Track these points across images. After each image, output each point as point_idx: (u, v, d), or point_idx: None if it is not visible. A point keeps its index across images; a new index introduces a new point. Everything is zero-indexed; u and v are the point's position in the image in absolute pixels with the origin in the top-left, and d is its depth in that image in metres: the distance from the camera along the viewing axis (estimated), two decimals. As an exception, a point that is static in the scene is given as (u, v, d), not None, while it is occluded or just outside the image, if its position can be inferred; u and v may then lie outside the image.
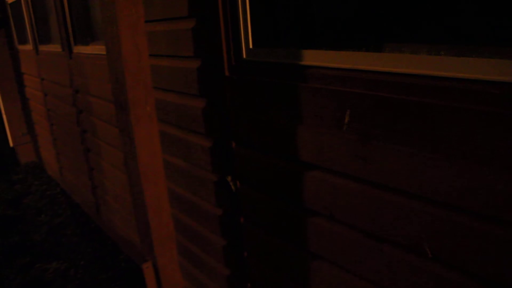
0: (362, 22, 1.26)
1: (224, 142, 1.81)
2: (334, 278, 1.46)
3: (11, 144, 5.81)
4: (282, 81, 1.42)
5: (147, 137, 2.28)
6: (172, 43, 1.95)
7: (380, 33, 1.20)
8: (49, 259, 3.44)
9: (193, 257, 2.39)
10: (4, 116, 5.66)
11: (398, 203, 1.16)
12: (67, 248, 3.60)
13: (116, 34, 2.08)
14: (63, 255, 3.48)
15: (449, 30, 1.05)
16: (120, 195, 3.17)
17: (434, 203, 1.08)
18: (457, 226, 1.04)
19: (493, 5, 0.95)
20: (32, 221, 4.14)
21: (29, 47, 4.62)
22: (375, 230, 1.25)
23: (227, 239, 2.02)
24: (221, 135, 1.82)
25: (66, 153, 4.37)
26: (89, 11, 3.17)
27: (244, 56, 1.60)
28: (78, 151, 3.89)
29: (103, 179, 3.48)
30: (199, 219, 2.20)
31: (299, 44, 1.43)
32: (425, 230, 1.11)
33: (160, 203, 2.43)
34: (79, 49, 3.27)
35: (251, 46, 1.57)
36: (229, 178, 1.84)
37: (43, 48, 4.21)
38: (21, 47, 5.08)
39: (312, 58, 1.33)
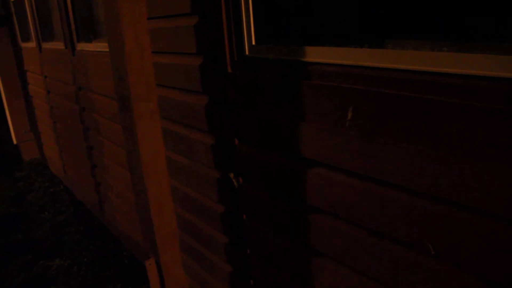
0: (365, 18, 1.25)
1: (227, 139, 1.80)
2: (337, 276, 1.46)
3: (14, 142, 5.82)
4: (285, 78, 1.42)
5: (149, 134, 2.28)
6: (175, 40, 1.95)
7: (383, 29, 1.19)
8: (52, 256, 3.45)
9: (195, 254, 2.39)
10: (8, 114, 5.68)
11: (401, 200, 1.16)
12: (70, 245, 3.61)
13: (119, 31, 2.08)
14: (66, 252, 3.49)
15: (452, 26, 1.04)
16: (123, 193, 3.17)
17: (437, 201, 1.07)
18: (460, 223, 1.03)
19: (496, 1, 0.94)
20: (35, 218, 4.15)
21: (32, 44, 4.63)
22: (378, 228, 1.25)
23: (230, 236, 2.02)
24: (223, 132, 1.81)
25: (69, 150, 4.38)
26: (92, 8, 3.17)
27: (247, 52, 1.60)
28: (81, 148, 3.89)
29: (106, 177, 3.48)
30: (201, 216, 2.20)
31: (301, 40, 1.42)
32: (428, 228, 1.11)
33: (163, 200, 2.43)
34: (82, 46, 3.27)
35: (253, 43, 1.57)
36: (231, 175, 1.84)
37: (46, 45, 4.22)
38: (24, 45, 5.09)
39: (315, 54, 1.33)
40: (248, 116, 1.63)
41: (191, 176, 2.17)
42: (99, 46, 2.91)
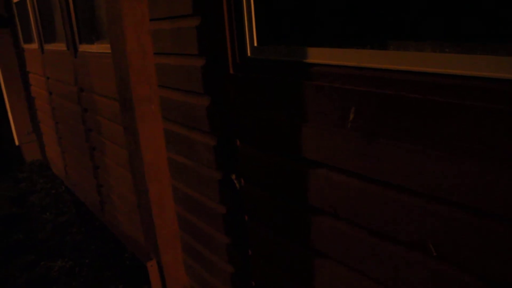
0: (366, 19, 1.25)
1: (228, 140, 1.81)
2: (338, 276, 1.46)
3: (16, 143, 5.83)
4: (287, 79, 1.42)
5: (151, 135, 2.28)
6: (177, 41, 1.96)
7: (385, 30, 1.20)
8: (54, 257, 3.45)
9: (197, 255, 2.39)
10: (10, 115, 5.69)
11: (403, 201, 1.16)
12: (72, 246, 3.62)
13: (121, 32, 2.09)
14: (68, 253, 3.49)
15: (453, 27, 1.04)
16: (124, 193, 3.18)
17: (439, 201, 1.07)
18: (462, 224, 1.03)
19: (498, 1, 0.95)
20: (37, 219, 4.16)
21: (34, 46, 4.64)
22: (379, 228, 1.25)
23: (231, 237, 2.02)
24: (225, 133, 1.82)
25: (71, 151, 4.39)
26: (94, 9, 3.18)
27: (249, 54, 1.60)
28: (83, 149, 3.90)
29: (107, 178, 3.49)
30: (203, 217, 2.20)
31: (303, 42, 1.42)
32: (429, 228, 1.11)
33: (165, 201, 2.43)
34: (84, 47, 3.28)
35: (255, 44, 1.57)
36: (233, 176, 1.84)
37: (48, 47, 4.23)
38: (26, 46, 5.10)
39: (317, 56, 1.33)
40: (250, 117, 1.64)
41: (193, 177, 2.17)
42: (101, 48, 2.92)
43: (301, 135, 1.42)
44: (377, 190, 1.23)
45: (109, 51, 2.38)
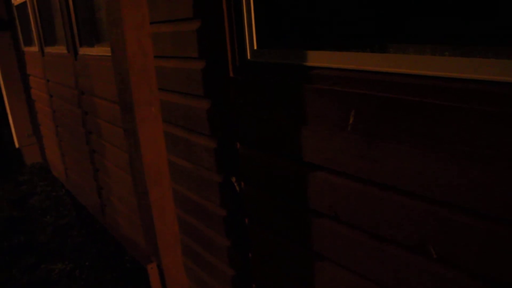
0: (366, 22, 1.26)
1: (229, 143, 1.81)
2: (338, 279, 1.46)
3: (17, 145, 5.84)
4: (287, 82, 1.43)
5: (152, 138, 2.29)
6: (177, 44, 1.96)
7: (384, 33, 1.20)
8: (54, 260, 3.45)
9: (198, 257, 2.39)
10: (10, 118, 5.69)
11: (403, 203, 1.16)
12: (73, 248, 3.62)
13: (121, 35, 2.09)
14: (68, 256, 3.49)
15: (453, 30, 1.05)
16: (124, 196, 3.18)
17: (439, 204, 1.08)
18: (462, 227, 1.04)
19: (497, 5, 0.95)
20: (37, 222, 4.16)
21: (34, 48, 4.65)
22: (379, 231, 1.25)
23: (232, 239, 2.02)
24: (225, 136, 1.82)
25: (71, 154, 4.39)
26: (95, 12, 3.19)
27: (249, 57, 1.60)
28: (83, 152, 3.90)
29: (108, 180, 3.49)
30: (203, 220, 2.20)
31: (303, 45, 1.43)
32: (430, 231, 1.11)
33: (165, 203, 2.43)
34: (84, 50, 3.28)
35: (255, 47, 1.58)
36: (233, 179, 1.84)
37: (48, 49, 4.24)
38: (26, 49, 5.11)
39: (317, 59, 1.34)
40: (250, 119, 1.64)
41: (193, 180, 2.18)
42: (102, 50, 2.92)
43: (301, 138, 1.42)
44: (377, 193, 1.23)
45: (109, 54, 2.38)
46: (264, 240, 1.78)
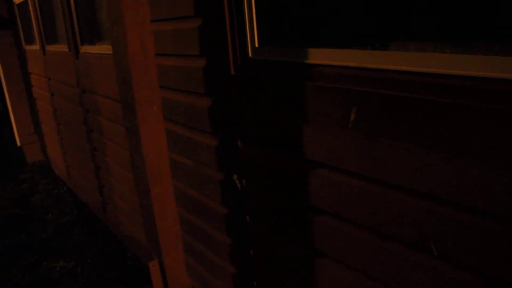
0: (367, 20, 1.26)
1: (230, 141, 1.81)
2: (339, 276, 1.46)
3: (18, 144, 5.84)
4: (288, 80, 1.43)
5: (153, 136, 2.29)
6: (178, 42, 1.96)
7: (385, 31, 1.20)
8: (56, 258, 3.46)
9: (199, 255, 2.39)
10: (12, 116, 5.70)
11: (404, 201, 1.16)
12: (74, 246, 3.62)
13: (122, 34, 2.09)
14: (70, 254, 3.50)
15: (454, 28, 1.05)
16: (126, 194, 3.18)
17: (440, 201, 1.08)
18: (463, 224, 1.04)
19: (498, 2, 0.95)
20: (39, 220, 4.16)
21: (36, 47, 4.65)
22: (380, 228, 1.25)
23: (233, 237, 2.02)
24: (227, 134, 1.82)
25: (72, 152, 4.40)
26: (96, 11, 3.19)
27: (250, 54, 1.60)
28: (84, 150, 3.91)
29: (109, 178, 3.49)
30: (205, 218, 2.21)
31: (304, 42, 1.43)
32: (431, 229, 1.11)
33: (166, 201, 2.44)
34: (85, 49, 3.29)
35: (256, 45, 1.58)
36: (235, 177, 1.84)
37: (50, 48, 4.24)
38: (28, 47, 5.11)
39: (318, 56, 1.34)
40: (251, 117, 1.64)
41: (194, 178, 2.18)
42: (103, 49, 2.92)
43: (302, 135, 1.42)
44: (378, 190, 1.23)
45: (111, 52, 2.38)
46: (265, 238, 1.78)
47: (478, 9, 0.98)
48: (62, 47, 3.77)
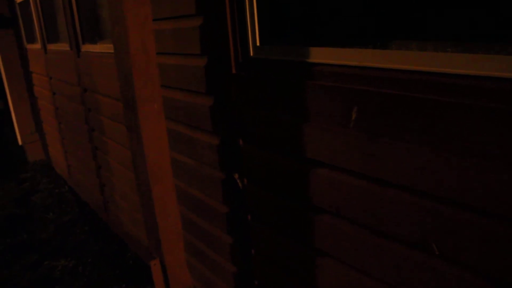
0: (368, 19, 1.26)
1: (231, 140, 1.81)
2: (340, 276, 1.46)
3: (19, 143, 5.85)
4: (289, 79, 1.43)
5: (154, 135, 2.29)
6: (180, 41, 1.96)
7: (387, 30, 1.20)
8: (57, 257, 3.46)
9: (200, 254, 2.39)
10: (13, 115, 5.71)
11: (405, 200, 1.16)
12: (75, 246, 3.63)
13: (123, 32, 2.09)
14: (71, 253, 3.50)
15: (456, 27, 1.04)
16: (127, 193, 3.19)
17: (441, 201, 1.07)
18: (464, 224, 1.03)
19: (499, 1, 0.95)
20: (40, 219, 4.17)
21: (37, 46, 4.65)
22: (381, 228, 1.25)
23: (234, 236, 2.02)
24: (228, 133, 1.82)
25: (74, 151, 4.40)
26: (97, 9, 3.19)
27: (251, 53, 1.60)
28: (86, 149, 3.91)
29: (111, 177, 3.49)
30: (206, 217, 2.21)
31: (306, 41, 1.43)
32: (432, 228, 1.11)
33: (168, 201, 2.44)
34: (87, 47, 3.29)
35: (258, 44, 1.57)
36: (236, 176, 1.84)
37: (51, 47, 4.24)
38: (29, 46, 5.12)
39: (320, 55, 1.33)
40: (253, 116, 1.64)
41: (196, 177, 2.18)
42: (104, 48, 2.92)
43: (303, 134, 1.42)
44: (379, 190, 1.23)
45: (112, 51, 2.38)
46: (266, 237, 1.78)
47: (480, 7, 0.98)
48: (64, 46, 3.78)
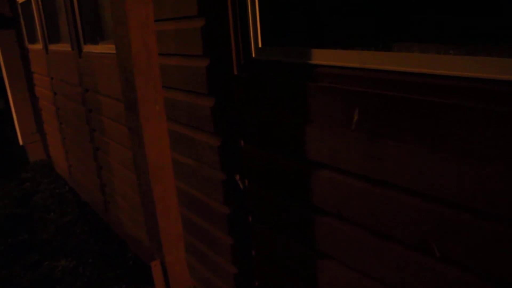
0: (371, 21, 1.26)
1: (233, 141, 1.81)
2: (341, 277, 1.46)
3: (20, 143, 5.85)
4: (291, 80, 1.43)
5: (156, 136, 2.29)
6: (181, 42, 1.96)
7: (389, 32, 1.20)
8: (57, 257, 3.46)
9: (201, 255, 2.39)
10: (14, 115, 5.71)
11: (407, 201, 1.16)
12: (75, 246, 3.63)
13: (125, 33, 2.09)
14: (71, 253, 3.50)
15: (458, 29, 1.04)
16: (128, 194, 3.19)
17: (442, 202, 1.08)
18: (465, 225, 1.04)
19: (502, 3, 0.95)
20: (40, 219, 4.17)
21: (39, 46, 4.66)
22: (383, 229, 1.25)
23: (235, 237, 2.02)
24: (229, 134, 1.82)
25: (75, 151, 4.40)
26: (99, 10, 3.19)
27: (253, 55, 1.61)
28: (87, 149, 3.91)
29: (111, 178, 3.50)
30: (207, 218, 2.21)
31: (307, 43, 1.43)
32: (433, 229, 1.11)
33: (169, 201, 2.44)
34: (88, 48, 3.29)
35: (260, 45, 1.58)
36: (237, 177, 1.85)
37: (52, 47, 4.24)
38: (31, 46, 5.12)
39: (321, 57, 1.34)
40: (254, 117, 1.64)
41: (197, 178, 2.18)
42: (106, 48, 2.93)
43: (305, 136, 1.42)
44: (380, 191, 1.23)
45: (114, 51, 2.39)
46: (267, 238, 1.78)
47: (482, 9, 0.98)
48: (65, 46, 3.78)
